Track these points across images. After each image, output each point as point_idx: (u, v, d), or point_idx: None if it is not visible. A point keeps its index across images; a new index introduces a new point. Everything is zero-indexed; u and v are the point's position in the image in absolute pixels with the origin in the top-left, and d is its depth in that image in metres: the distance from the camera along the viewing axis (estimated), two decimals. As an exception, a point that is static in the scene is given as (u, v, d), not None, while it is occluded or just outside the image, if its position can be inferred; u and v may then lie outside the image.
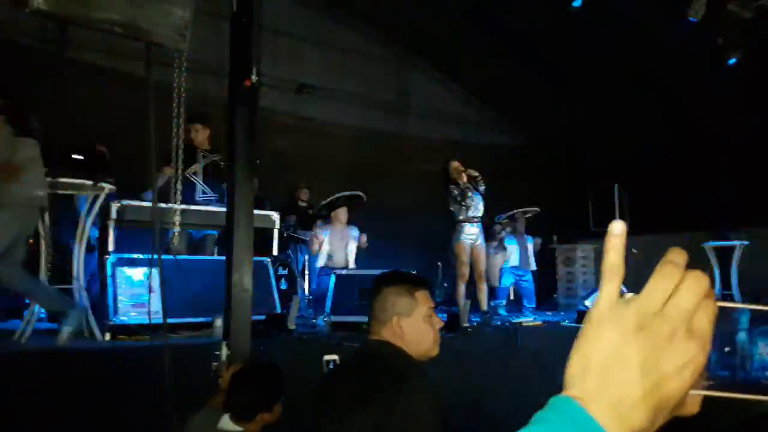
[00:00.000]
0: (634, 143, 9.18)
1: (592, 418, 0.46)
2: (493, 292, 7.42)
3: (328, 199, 6.57)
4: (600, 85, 8.82)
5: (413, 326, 1.77)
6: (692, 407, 0.59)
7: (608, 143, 9.45)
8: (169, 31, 2.54)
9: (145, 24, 2.50)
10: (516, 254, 7.95)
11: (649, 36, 7.69)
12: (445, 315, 5.29)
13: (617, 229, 0.51)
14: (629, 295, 0.51)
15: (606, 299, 0.50)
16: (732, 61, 6.45)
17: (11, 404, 3.08)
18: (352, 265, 6.50)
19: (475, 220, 6.13)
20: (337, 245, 6.48)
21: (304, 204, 7.75)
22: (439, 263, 8.47)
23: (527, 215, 8.15)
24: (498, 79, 10.32)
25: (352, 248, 6.56)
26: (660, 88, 8.52)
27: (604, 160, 9.67)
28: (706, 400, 0.58)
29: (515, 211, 7.98)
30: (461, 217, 6.06)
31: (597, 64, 8.13)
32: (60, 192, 3.92)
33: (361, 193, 6.72)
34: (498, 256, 7.82)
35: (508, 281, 7.93)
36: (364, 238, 6.60)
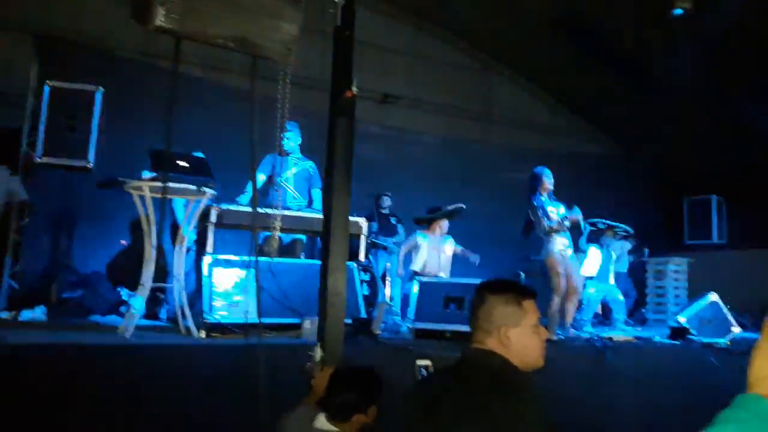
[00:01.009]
0: (732, 153, 8.71)
1: None
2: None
3: (430, 215, 6.70)
4: (695, 90, 8.43)
5: (521, 336, 1.73)
6: None
7: (705, 152, 9.00)
8: (277, 45, 2.65)
9: (255, 39, 2.62)
10: (596, 266, 7.67)
11: (751, 36, 7.30)
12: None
13: None
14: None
15: None
16: None
17: (116, 394, 3.27)
18: (445, 274, 6.55)
19: (565, 228, 5.95)
20: (433, 253, 6.56)
21: (386, 211, 7.83)
22: (522, 272, 8.33)
23: (618, 233, 7.88)
24: (586, 87, 10.06)
25: (448, 258, 6.62)
26: (758, 94, 8.05)
27: (701, 170, 9.23)
28: None
29: (612, 224, 7.73)
30: (549, 227, 5.86)
31: (696, 70, 7.77)
32: (168, 196, 4.15)
33: (462, 205, 6.79)
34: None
35: (589, 294, 7.64)
36: (473, 257, 6.69)
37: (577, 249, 7.40)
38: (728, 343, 5.96)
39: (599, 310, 7.84)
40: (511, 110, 10.56)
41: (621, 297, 7.58)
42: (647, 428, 4.41)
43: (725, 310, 6.33)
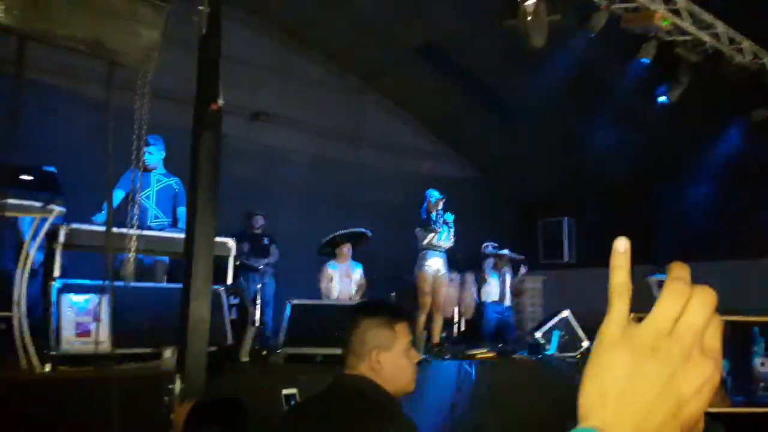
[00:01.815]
0: (581, 177, 9.47)
1: None
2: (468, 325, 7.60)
3: (328, 237, 6.63)
4: (550, 117, 9.09)
5: (392, 361, 1.70)
6: (700, 426, 0.59)
7: (557, 176, 9.72)
8: (136, 51, 2.47)
9: (111, 43, 2.43)
10: (497, 289, 8.08)
11: (599, 73, 8.01)
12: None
13: (622, 246, 0.50)
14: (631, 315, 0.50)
15: (616, 321, 0.49)
16: (664, 99, 6.79)
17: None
18: (356, 299, 6.51)
19: (441, 249, 6.14)
20: (345, 281, 6.50)
21: (258, 231, 7.63)
22: (393, 293, 8.44)
23: (513, 259, 8.37)
24: (449, 112, 10.54)
25: (356, 284, 6.57)
26: (608, 122, 8.85)
27: (554, 193, 9.93)
28: None
29: (507, 252, 8.18)
30: (425, 243, 6.08)
31: (550, 97, 8.38)
32: (8, 214, 3.72)
33: (365, 231, 6.81)
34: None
35: (491, 317, 8.02)
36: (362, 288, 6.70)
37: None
38: (578, 356, 6.39)
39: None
40: (380, 132, 10.77)
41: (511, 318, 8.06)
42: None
43: (576, 325, 6.79)
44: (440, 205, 6.17)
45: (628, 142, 8.80)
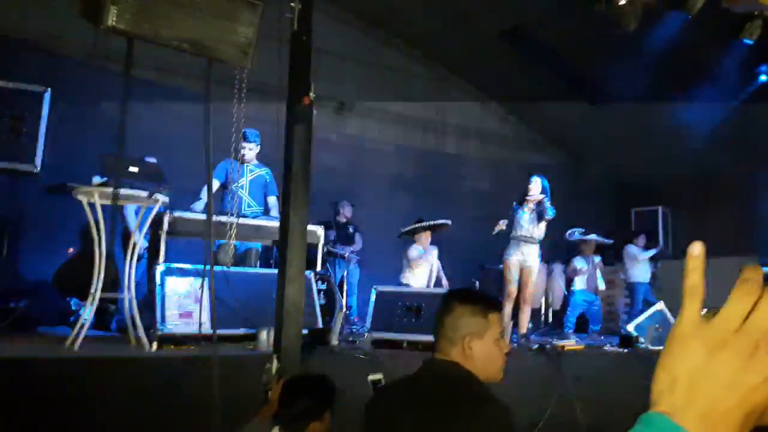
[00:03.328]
0: (678, 165, 9.02)
1: (684, 430, 0.49)
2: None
3: (410, 227, 6.74)
4: (643, 102, 8.71)
5: (484, 348, 1.73)
6: None
7: (652, 164, 9.30)
8: (233, 48, 2.60)
9: (210, 42, 2.57)
10: (583, 278, 7.91)
11: (696, 55, 7.59)
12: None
13: (696, 250, 0.54)
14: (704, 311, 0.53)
15: (688, 318, 0.53)
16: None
17: (60, 410, 3.14)
18: (431, 284, 6.61)
19: (528, 239, 6.03)
20: (425, 265, 6.62)
21: (344, 220, 7.80)
22: (476, 281, 8.43)
23: (601, 244, 8.16)
24: (536, 98, 10.28)
25: (435, 269, 6.69)
26: (705, 108, 8.38)
27: (648, 182, 9.52)
28: None
29: (591, 236, 7.98)
30: (512, 234, 6.01)
31: (642, 82, 8.03)
32: (119, 203, 4.02)
33: (446, 222, 6.86)
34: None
35: (578, 305, 7.86)
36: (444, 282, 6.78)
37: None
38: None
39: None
40: (464, 120, 10.69)
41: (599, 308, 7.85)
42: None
43: (670, 318, 6.52)
44: (534, 193, 6.05)
45: (728, 128, 8.30)
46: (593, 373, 5.23)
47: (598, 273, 8.06)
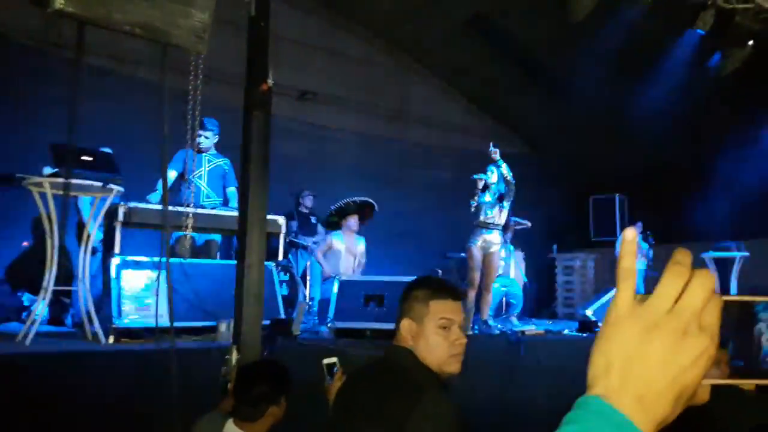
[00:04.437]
0: (635, 153, 9.22)
1: (619, 412, 0.50)
2: None
3: (338, 204, 6.59)
4: (603, 93, 8.87)
5: (421, 335, 1.71)
6: (703, 395, 0.63)
7: (609, 153, 9.48)
8: (188, 33, 2.53)
9: (164, 26, 2.49)
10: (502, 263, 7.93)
11: (652, 46, 7.75)
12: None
13: (630, 235, 0.55)
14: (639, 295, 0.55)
15: (622, 301, 0.54)
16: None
17: (12, 407, 3.05)
18: (358, 273, 6.51)
19: (490, 226, 6.06)
20: (347, 254, 6.51)
21: (306, 210, 7.74)
22: (439, 270, 8.47)
23: (518, 227, 8.16)
24: (497, 88, 10.37)
25: (360, 258, 6.59)
26: (660, 97, 8.57)
27: (605, 170, 9.70)
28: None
29: (513, 220, 7.97)
30: (474, 221, 6.04)
31: (600, 72, 8.16)
32: (71, 194, 3.90)
33: (371, 201, 6.74)
34: None
35: (498, 290, 7.88)
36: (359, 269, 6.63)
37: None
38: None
39: (503, 306, 8.08)
40: (426, 109, 10.71)
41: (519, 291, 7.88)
42: (558, 419, 4.58)
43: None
44: (492, 180, 6.08)
45: (682, 117, 8.51)
46: (553, 358, 5.33)
47: (521, 263, 8.09)
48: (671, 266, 0.53)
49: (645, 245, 8.38)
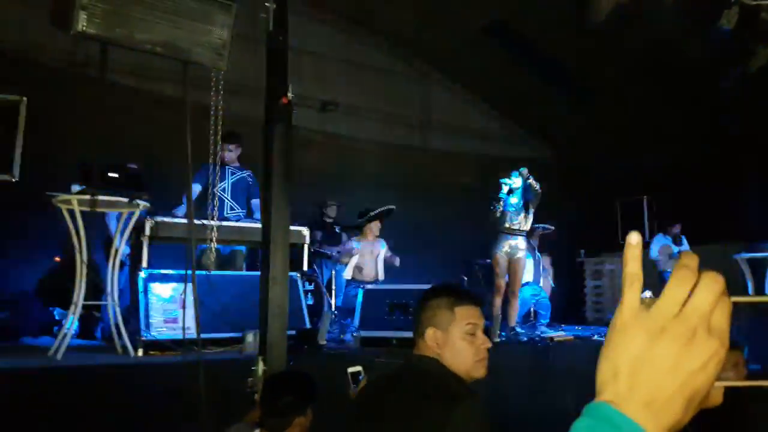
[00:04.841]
0: (662, 155, 9.08)
1: (628, 418, 0.49)
2: None
3: (365, 218, 6.63)
4: (626, 96, 8.77)
5: (448, 342, 1.72)
6: (716, 398, 0.62)
7: (636, 155, 9.36)
8: (208, 50, 2.58)
9: (184, 44, 2.54)
10: (531, 270, 7.86)
11: (676, 46, 7.64)
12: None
13: (634, 239, 0.55)
14: (648, 296, 0.54)
15: (628, 306, 0.54)
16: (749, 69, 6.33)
17: (46, 420, 3.11)
18: (381, 277, 6.51)
19: (515, 232, 6.02)
20: (368, 258, 6.51)
21: (330, 220, 7.78)
22: (465, 277, 8.43)
23: (544, 232, 8.08)
24: (518, 93, 10.31)
25: (382, 260, 6.59)
26: (687, 99, 8.44)
27: (633, 173, 9.57)
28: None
29: (535, 226, 7.90)
30: (499, 227, 5.99)
31: (623, 75, 8.08)
32: (99, 210, 3.98)
33: (392, 207, 6.77)
34: None
35: (526, 298, 7.80)
36: (396, 261, 6.60)
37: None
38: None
39: (531, 314, 7.98)
40: (448, 116, 10.71)
41: (546, 299, 7.78)
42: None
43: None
44: (516, 186, 6.04)
45: (710, 116, 8.37)
46: (583, 364, 5.26)
47: (547, 269, 8.00)
48: (677, 270, 0.53)
49: (676, 248, 8.24)
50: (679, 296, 0.52)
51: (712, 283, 0.52)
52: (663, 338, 0.51)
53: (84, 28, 2.36)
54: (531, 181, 5.93)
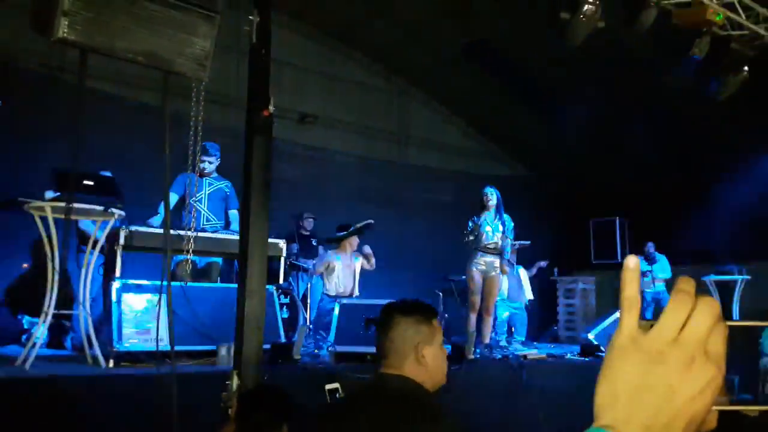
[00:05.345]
0: (635, 176, 9.26)
1: None
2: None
3: (346, 232, 6.62)
4: (599, 116, 8.93)
5: (434, 354, 1.75)
6: (711, 423, 0.64)
7: (608, 175, 9.52)
8: (190, 61, 2.57)
9: (166, 54, 2.54)
10: (506, 285, 7.89)
11: (649, 71, 7.82)
12: (449, 346, 5.24)
13: (632, 263, 0.55)
14: (644, 323, 0.54)
15: (626, 330, 0.54)
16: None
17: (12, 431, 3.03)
18: (357, 293, 6.50)
19: (491, 250, 6.06)
20: (347, 272, 6.49)
21: (306, 233, 7.75)
22: (440, 292, 8.44)
23: (516, 247, 8.14)
24: (495, 111, 10.46)
25: (358, 275, 6.59)
26: (659, 121, 8.63)
27: (605, 193, 9.73)
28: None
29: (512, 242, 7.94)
30: (475, 245, 6.03)
31: (600, 96, 8.23)
32: (73, 217, 3.92)
33: (371, 221, 6.77)
34: None
35: (502, 313, 7.85)
36: (368, 249, 6.59)
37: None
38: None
39: (510, 328, 8.02)
40: (426, 132, 10.80)
41: (523, 315, 7.83)
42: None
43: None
44: (489, 204, 6.10)
45: (681, 140, 8.57)
46: (555, 382, 5.30)
47: (524, 282, 8.07)
48: (675, 295, 0.53)
49: (647, 267, 8.38)
50: (677, 321, 0.52)
51: (709, 308, 0.52)
52: (661, 363, 0.52)
53: (65, 34, 2.34)
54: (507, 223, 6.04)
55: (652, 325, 0.53)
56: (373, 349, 4.77)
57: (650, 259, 8.47)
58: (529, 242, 8.16)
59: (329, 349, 5.14)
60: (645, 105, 8.38)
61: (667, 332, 0.52)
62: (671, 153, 8.81)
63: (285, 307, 6.51)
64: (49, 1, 2.40)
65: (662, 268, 8.53)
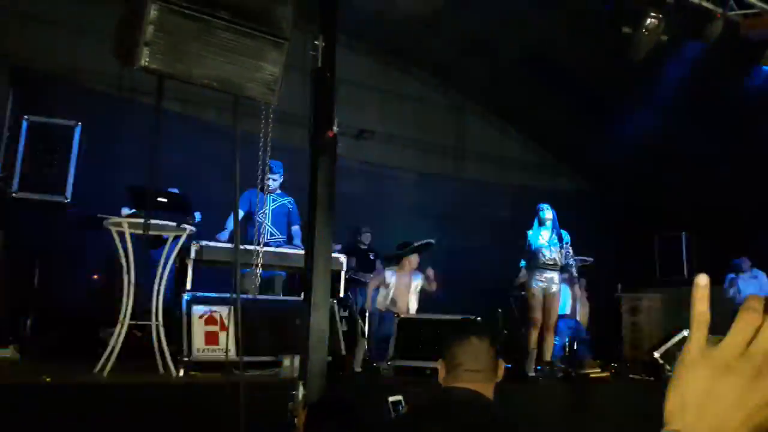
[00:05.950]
0: (701, 190, 8.95)
1: None
2: None
3: (406, 250, 6.69)
4: (664, 129, 8.70)
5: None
6: None
7: (674, 190, 9.25)
8: (260, 86, 2.70)
9: (238, 79, 2.67)
10: (568, 303, 7.75)
11: (716, 81, 7.60)
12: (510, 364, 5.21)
13: (703, 281, 0.59)
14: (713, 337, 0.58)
15: (696, 345, 0.58)
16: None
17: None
18: (412, 310, 6.53)
19: (550, 266, 6.02)
20: (403, 290, 6.54)
21: (364, 247, 7.85)
22: (499, 309, 8.37)
23: (578, 264, 7.98)
24: (554, 124, 10.32)
25: (416, 294, 6.61)
26: (729, 132, 8.34)
27: (671, 207, 9.45)
28: None
29: (575, 258, 7.81)
30: (534, 262, 5.99)
31: (661, 108, 8.03)
32: (150, 233, 4.14)
33: (431, 240, 6.83)
34: None
35: (564, 330, 7.68)
36: (431, 272, 6.61)
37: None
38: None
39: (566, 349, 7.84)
40: (483, 146, 10.77)
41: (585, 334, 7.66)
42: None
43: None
44: (545, 220, 6.05)
45: (750, 155, 8.25)
46: (619, 401, 5.18)
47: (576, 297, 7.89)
48: (743, 311, 0.57)
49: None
50: (745, 336, 0.56)
51: None
52: (728, 375, 0.56)
53: (147, 63, 2.50)
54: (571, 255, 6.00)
55: (720, 340, 0.57)
56: (430, 364, 4.83)
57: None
58: (592, 259, 8.02)
59: (388, 362, 5.20)
60: (712, 117, 8.12)
61: (736, 346, 0.56)
62: (742, 167, 8.48)
63: (344, 320, 6.61)
64: (132, 32, 2.58)
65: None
